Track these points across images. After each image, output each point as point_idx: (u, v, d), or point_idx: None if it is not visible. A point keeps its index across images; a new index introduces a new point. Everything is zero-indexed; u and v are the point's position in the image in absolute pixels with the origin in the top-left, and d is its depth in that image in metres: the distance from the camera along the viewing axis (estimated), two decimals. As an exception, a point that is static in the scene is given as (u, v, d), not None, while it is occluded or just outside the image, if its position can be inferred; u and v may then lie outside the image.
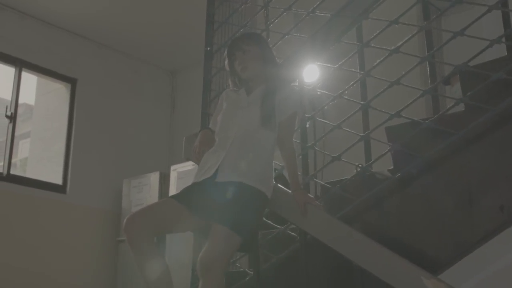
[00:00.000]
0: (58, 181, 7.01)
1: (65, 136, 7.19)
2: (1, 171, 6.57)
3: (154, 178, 6.88)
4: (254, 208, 2.56)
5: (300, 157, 2.91)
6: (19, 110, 6.96)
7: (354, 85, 2.85)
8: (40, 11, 6.93)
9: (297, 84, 3.02)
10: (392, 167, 2.71)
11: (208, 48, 3.44)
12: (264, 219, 2.81)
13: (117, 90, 7.77)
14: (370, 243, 2.34)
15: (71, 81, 7.37)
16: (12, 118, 6.68)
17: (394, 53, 2.65)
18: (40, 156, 7.48)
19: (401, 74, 2.64)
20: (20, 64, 6.87)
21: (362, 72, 2.81)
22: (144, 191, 6.88)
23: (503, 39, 2.44)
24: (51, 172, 7.13)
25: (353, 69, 2.83)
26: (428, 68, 2.72)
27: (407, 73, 2.56)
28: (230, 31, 3.45)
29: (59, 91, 7.48)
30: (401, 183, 2.53)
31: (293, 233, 2.85)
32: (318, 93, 3.06)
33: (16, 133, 6.78)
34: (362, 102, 2.75)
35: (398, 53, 2.66)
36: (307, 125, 2.95)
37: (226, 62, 2.82)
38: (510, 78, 2.24)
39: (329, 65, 2.99)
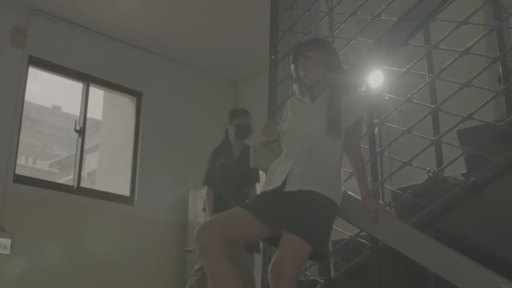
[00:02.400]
0: (126, 192, 7.16)
1: (131, 149, 7.35)
2: (72, 184, 6.75)
3: (219, 188, 6.89)
4: (324, 216, 2.54)
5: (369, 163, 2.87)
6: (87, 125, 7.14)
7: (423, 89, 2.79)
8: (105, 27, 7.13)
9: (363, 89, 2.98)
10: (464, 171, 2.64)
11: (273, 57, 3.44)
12: (334, 226, 2.78)
13: (181, 101, 7.89)
14: (445, 250, 2.29)
15: (137, 95, 7.54)
16: (81, 132, 6.85)
17: (465, 54, 2.59)
18: (108, 169, 7.67)
19: (471, 76, 2.58)
20: (88, 79, 7.08)
21: (432, 75, 2.75)
22: (209, 201, 6.91)
23: None
24: (119, 184, 7.30)
25: (422, 73, 2.78)
26: (500, 69, 2.64)
27: (479, 74, 2.50)
28: (295, 39, 3.44)
29: (125, 104, 7.66)
30: (475, 188, 2.46)
31: (364, 241, 2.81)
32: (386, 97, 3.02)
33: (84, 147, 6.96)
34: (432, 106, 2.69)
35: (467, 55, 2.60)
36: (376, 131, 2.91)
37: (292, 67, 2.82)
38: None
39: (396, 69, 2.94)
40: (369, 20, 3.04)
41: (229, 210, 2.62)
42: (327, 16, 3.32)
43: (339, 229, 2.97)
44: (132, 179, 7.24)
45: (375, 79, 4.14)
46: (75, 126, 6.89)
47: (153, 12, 6.82)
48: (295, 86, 2.89)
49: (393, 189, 2.83)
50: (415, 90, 2.75)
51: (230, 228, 2.53)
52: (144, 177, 7.24)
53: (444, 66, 2.67)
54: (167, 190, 7.38)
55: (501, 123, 2.41)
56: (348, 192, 2.67)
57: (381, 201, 2.65)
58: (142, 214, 7.08)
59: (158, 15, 6.89)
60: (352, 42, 3.12)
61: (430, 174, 2.63)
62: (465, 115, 2.52)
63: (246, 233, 2.61)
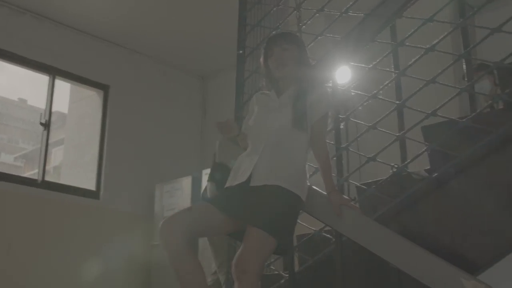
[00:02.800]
0: (92, 187, 7.10)
1: (98, 142, 7.28)
2: (36, 178, 6.66)
3: (186, 182, 6.91)
4: (289, 210, 2.55)
5: (334, 158, 2.88)
6: (52, 118, 7.05)
7: (388, 85, 2.81)
8: (72, 19, 7.04)
9: (330, 85, 2.99)
10: (428, 167, 2.67)
11: (241, 51, 3.44)
12: (299, 221, 2.79)
13: (149, 95, 7.84)
14: (407, 244, 2.31)
15: (104, 88, 7.47)
16: (47, 125, 6.77)
17: (430, 51, 2.61)
18: (74, 163, 7.59)
19: (435, 74, 2.61)
20: (53, 72, 6.98)
21: (397, 72, 2.78)
22: (176, 196, 6.91)
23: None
24: (85, 178, 7.22)
25: (387, 69, 2.80)
26: (464, 66, 2.67)
27: (444, 71, 2.52)
28: (262, 34, 3.44)
29: (92, 98, 7.59)
30: (438, 183, 2.49)
31: (328, 235, 2.82)
32: (352, 93, 3.03)
33: (50, 141, 6.88)
34: (397, 102, 2.71)
35: (433, 52, 2.63)
36: (341, 126, 2.92)
37: (262, 58, 2.81)
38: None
39: (363, 65, 2.96)
40: (336, 16, 3.05)
41: (194, 205, 2.61)
42: (295, 12, 3.33)
43: (304, 224, 2.98)
44: (98, 173, 7.17)
45: (343, 74, 4.17)
46: (40, 119, 6.80)
47: (120, 5, 6.76)
48: (263, 81, 2.89)
49: (358, 184, 2.85)
50: (381, 87, 2.77)
51: (194, 223, 2.51)
52: (110, 171, 7.18)
53: (410, 63, 2.69)
54: (133, 184, 7.33)
55: (464, 120, 2.44)
56: (313, 187, 2.68)
57: (345, 196, 2.67)
58: (108, 208, 7.02)
59: (126, 8, 6.83)
60: (319, 37, 3.13)
61: (394, 170, 2.66)
62: (429, 112, 2.54)
63: (211, 227, 2.61)
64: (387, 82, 2.77)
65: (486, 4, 2.50)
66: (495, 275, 2.34)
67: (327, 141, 2.76)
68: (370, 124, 2.76)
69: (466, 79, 2.65)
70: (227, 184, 2.69)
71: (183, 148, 7.98)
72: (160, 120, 7.85)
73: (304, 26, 3.25)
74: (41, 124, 6.78)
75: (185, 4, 6.69)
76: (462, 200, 2.49)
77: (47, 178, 6.74)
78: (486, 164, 2.40)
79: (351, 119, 2.96)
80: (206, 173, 6.62)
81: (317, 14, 3.17)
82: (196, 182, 6.80)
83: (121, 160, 7.29)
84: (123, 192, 7.19)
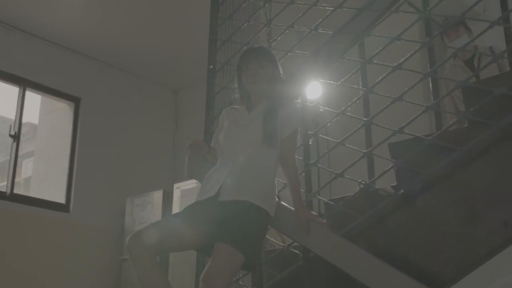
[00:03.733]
0: (62, 200, 7.01)
1: (68, 155, 7.20)
2: (5, 190, 6.57)
3: (157, 196, 6.86)
4: (257, 226, 2.55)
5: (303, 174, 2.89)
6: (23, 130, 6.96)
7: (357, 102, 2.84)
8: (44, 30, 6.98)
9: (299, 101, 3.01)
10: (395, 183, 2.69)
11: (211, 66, 3.45)
12: (267, 237, 2.80)
13: (121, 108, 7.79)
14: (373, 261, 2.33)
15: (75, 100, 7.40)
16: (16, 137, 6.69)
17: (397, 69, 2.65)
18: (44, 175, 7.49)
19: (405, 90, 2.64)
20: (24, 83, 6.90)
21: (365, 89, 2.80)
22: (147, 210, 6.86)
23: (506, 55, 2.44)
24: (55, 191, 7.13)
25: (355, 86, 2.83)
26: (430, 85, 2.71)
27: (409, 89, 2.56)
28: (233, 49, 3.45)
29: (63, 110, 7.51)
30: (404, 200, 2.51)
31: (296, 251, 2.83)
32: (321, 110, 3.06)
33: (20, 153, 6.79)
34: (364, 119, 2.74)
35: (400, 70, 2.66)
36: (310, 142, 2.94)
37: (236, 70, 2.82)
38: (512, 94, 2.24)
39: (331, 82, 2.98)
40: (306, 33, 3.07)
41: (162, 219, 2.61)
42: (266, 28, 3.34)
43: (272, 239, 2.99)
44: (68, 186, 7.07)
45: (313, 90, 4.19)
46: (10, 131, 6.72)
47: (93, 17, 6.73)
48: (236, 95, 2.90)
49: (326, 200, 2.86)
50: (349, 103, 2.79)
51: (162, 237, 2.51)
52: (80, 184, 7.10)
53: (377, 80, 2.72)
54: (104, 197, 7.26)
55: (429, 138, 2.47)
56: (282, 202, 2.69)
57: (313, 212, 2.68)
58: (78, 222, 6.93)
59: (98, 20, 6.79)
60: (289, 54, 3.15)
61: (362, 186, 2.68)
62: (396, 129, 2.57)
63: (179, 242, 2.60)
64: (355, 99, 2.79)
65: (453, 25, 2.54)
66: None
67: (297, 157, 2.78)
68: (338, 141, 2.78)
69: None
70: (196, 199, 2.69)
71: (155, 162, 7.93)
72: (132, 133, 7.80)
73: (274, 42, 3.27)
74: (10, 136, 6.70)
75: (158, 18, 6.68)
76: (428, 216, 2.51)
77: (17, 191, 6.64)
78: (451, 181, 2.44)
79: (320, 135, 2.97)
80: (177, 187, 6.61)
81: (287, 31, 3.18)
82: (168, 196, 6.77)
83: (92, 173, 7.22)
84: (94, 205, 7.11)
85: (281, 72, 2.84)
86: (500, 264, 2.23)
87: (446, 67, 4.22)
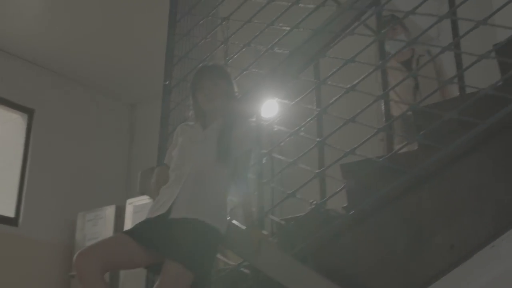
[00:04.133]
0: (10, 213, 6.85)
1: (19, 167, 7.05)
2: (-49, 202, 6.41)
3: (109, 211, 6.78)
4: (208, 244, 2.54)
5: (256, 193, 2.89)
6: (-26, 140, 6.83)
7: (311, 121, 2.86)
8: (-2, 40, 6.86)
9: (254, 119, 3.02)
10: (346, 204, 2.71)
11: (167, 82, 3.43)
12: (218, 255, 2.78)
13: (75, 121, 7.69)
14: (322, 281, 2.33)
15: (28, 112, 7.28)
16: (-35, 148, 6.54)
17: (350, 91, 2.68)
18: (-7, 187, 7.32)
19: (357, 113, 2.67)
20: (-25, 93, 6.76)
21: (319, 109, 2.83)
22: (99, 225, 6.77)
23: (455, 80, 2.49)
24: (4, 204, 6.96)
25: (310, 106, 2.85)
26: (383, 107, 2.75)
27: (361, 112, 2.58)
28: (190, 66, 3.44)
29: (16, 121, 7.36)
30: (354, 221, 2.53)
31: (246, 271, 2.81)
32: (275, 129, 3.07)
33: (-31, 163, 6.64)
34: (318, 139, 2.76)
35: (354, 91, 2.69)
36: (264, 161, 2.94)
37: (190, 88, 2.81)
38: (462, 118, 2.28)
39: (286, 101, 3.00)
40: (262, 52, 3.09)
41: (111, 236, 2.58)
42: (223, 45, 3.35)
43: (223, 259, 2.97)
44: (18, 199, 6.93)
45: (269, 109, 4.21)
46: (-40, 141, 6.58)
47: (49, 27, 6.66)
48: (190, 112, 2.89)
49: (277, 219, 2.87)
50: (302, 124, 2.81)
51: (111, 255, 2.47)
52: (31, 197, 6.96)
53: (331, 101, 2.74)
54: (55, 211, 7.13)
55: (380, 159, 2.50)
56: (233, 221, 2.68)
57: (264, 232, 2.67)
58: (27, 236, 6.79)
59: (55, 31, 6.72)
60: (245, 72, 3.16)
61: (313, 206, 2.69)
62: (348, 150, 2.59)
63: (128, 259, 2.56)
64: (308, 119, 2.81)
65: (403, 49, 2.59)
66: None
67: (250, 175, 2.78)
68: (291, 160, 2.79)
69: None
70: (147, 216, 2.66)
71: (109, 176, 7.84)
72: (86, 146, 7.70)
73: (231, 60, 3.28)
74: (-40, 146, 6.56)
75: (115, 31, 6.65)
76: (378, 237, 2.53)
77: (-36, 203, 6.50)
78: (401, 203, 2.46)
79: (274, 154, 2.98)
80: (130, 202, 6.55)
81: (244, 49, 3.20)
82: (120, 212, 6.69)
83: (43, 186, 7.09)
84: (44, 219, 6.97)
85: (236, 89, 2.84)
86: (445, 287, 2.26)
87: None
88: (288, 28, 2.96)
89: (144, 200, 6.10)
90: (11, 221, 6.79)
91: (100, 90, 8.02)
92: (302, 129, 2.83)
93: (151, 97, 7.69)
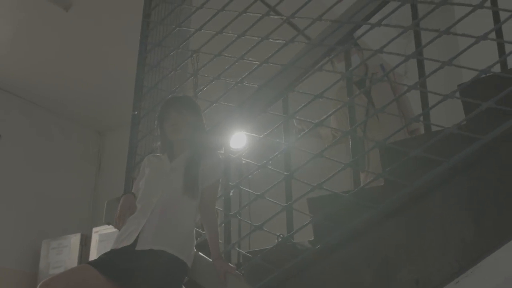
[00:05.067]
0: (-28, 240, 6.72)
1: (-17, 193, 6.94)
2: None
3: (74, 240, 6.69)
4: (173, 277, 2.52)
5: (223, 225, 2.90)
6: None
7: (280, 155, 2.88)
8: (-37, 64, 6.79)
9: (222, 151, 3.03)
10: (313, 238, 2.73)
11: (136, 112, 3.43)
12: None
13: (42, 147, 7.61)
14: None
15: (-6, 137, 7.18)
16: None
17: (319, 126, 2.71)
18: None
19: (325, 147, 2.71)
20: None
21: (286, 143, 2.85)
22: (63, 253, 6.67)
23: (421, 118, 2.55)
24: (-36, 230, 6.84)
25: (278, 140, 2.87)
26: (350, 143, 2.79)
27: (328, 147, 2.62)
28: (159, 96, 3.45)
29: (-19, 146, 7.27)
30: (321, 254, 2.54)
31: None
32: (243, 161, 3.08)
33: None
34: (285, 173, 2.78)
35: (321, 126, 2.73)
36: (231, 193, 2.95)
37: (157, 120, 2.81)
38: (427, 155, 2.32)
39: (254, 134, 3.02)
40: (232, 85, 3.11)
41: (75, 267, 2.54)
42: (192, 77, 3.37)
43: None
44: (-19, 225, 6.81)
45: (238, 141, 4.23)
46: None
47: (17, 52, 6.61)
48: (158, 143, 2.89)
49: (244, 252, 2.87)
50: (270, 157, 2.83)
51: (75, 286, 2.43)
52: (-6, 223, 6.84)
53: (299, 136, 2.77)
54: (18, 239, 7.01)
55: (347, 195, 2.53)
56: (199, 253, 2.67)
57: (231, 264, 2.67)
58: (-11, 264, 6.66)
59: (23, 56, 6.68)
60: (214, 104, 3.18)
61: (279, 239, 2.70)
62: (315, 184, 2.62)
63: (92, 291, 2.53)
64: (276, 153, 2.83)
65: (373, 85, 2.64)
66: None
67: (217, 207, 2.78)
68: (259, 193, 2.80)
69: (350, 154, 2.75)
70: (112, 247, 2.64)
71: (75, 204, 7.75)
72: (53, 173, 7.61)
73: (200, 92, 3.30)
74: None
75: (84, 59, 6.64)
76: (343, 271, 2.55)
77: None
78: (367, 238, 2.49)
79: (242, 187, 2.99)
80: (95, 231, 6.47)
81: (214, 81, 3.22)
82: (86, 240, 6.61)
83: (7, 212, 6.97)
84: (7, 246, 6.84)
85: (204, 121, 2.86)
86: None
87: (335, 90, 3.95)
88: (258, 63, 3.00)
89: (110, 229, 6.01)
90: (-27, 248, 6.66)
91: (68, 117, 7.97)
92: (270, 162, 2.85)
93: (119, 125, 7.68)
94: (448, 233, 2.33)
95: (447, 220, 2.35)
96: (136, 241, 2.54)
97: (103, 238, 6.32)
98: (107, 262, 2.54)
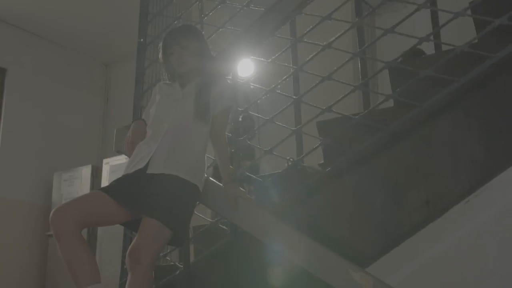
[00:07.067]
0: (-16, 174, 6.80)
1: (-7, 128, 6.98)
2: None
3: (85, 171, 6.76)
4: (185, 201, 2.54)
5: (233, 150, 2.90)
6: None
7: (287, 79, 2.85)
8: (-33, -3, 6.70)
9: (231, 78, 3.01)
10: (322, 161, 2.73)
11: (142, 40, 3.38)
12: (195, 212, 2.79)
13: (49, 81, 7.59)
14: (298, 236, 2.36)
15: (1, 71, 7.15)
16: None
17: (327, 48, 2.67)
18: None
19: (336, 69, 2.67)
20: None
21: (295, 67, 2.82)
22: (75, 185, 6.75)
23: (432, 37, 2.49)
24: (-22, 165, 6.92)
25: (286, 64, 2.84)
26: (359, 64, 2.75)
27: (338, 69, 2.59)
28: (164, 23, 3.40)
29: (-12, 80, 7.27)
30: (331, 177, 2.55)
31: (224, 227, 2.84)
32: (252, 87, 3.06)
33: None
34: (294, 97, 2.76)
35: (330, 49, 2.68)
36: (240, 119, 2.94)
37: (161, 54, 2.77)
38: (437, 75, 2.29)
39: (262, 59, 2.99)
40: (238, 9, 3.06)
41: (88, 193, 2.56)
42: (198, 2, 3.31)
43: (200, 215, 2.99)
44: (-7, 160, 6.88)
45: (245, 67, 4.19)
46: None
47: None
48: (164, 74, 2.86)
49: (254, 176, 2.88)
50: (279, 81, 2.80)
51: (87, 212, 2.46)
52: (5, 157, 6.90)
53: (307, 59, 2.74)
54: (30, 172, 7.09)
55: (356, 117, 2.52)
56: (210, 178, 2.69)
57: (242, 188, 2.69)
58: (2, 197, 6.75)
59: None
60: (220, 29, 3.13)
61: (290, 163, 2.71)
62: (324, 107, 2.60)
63: (105, 216, 2.55)
64: (284, 77, 2.80)
65: (382, 5, 2.58)
66: (384, 267, 2.43)
67: (227, 133, 2.78)
68: (268, 118, 2.79)
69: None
70: (125, 172, 2.65)
71: (84, 136, 7.79)
72: (61, 106, 7.63)
73: (206, 18, 3.24)
74: None
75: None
76: (353, 193, 2.57)
77: None
78: (377, 160, 2.49)
79: (250, 112, 2.98)
80: (106, 162, 6.53)
81: (220, 6, 3.16)
82: (96, 172, 6.68)
83: (18, 146, 7.03)
84: (19, 180, 6.94)
85: (209, 47, 2.82)
86: (421, 242, 2.31)
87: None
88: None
89: (120, 159, 6.10)
90: (-15, 181, 6.75)
91: (74, 50, 7.91)
92: (279, 87, 2.82)
93: (126, 56, 7.62)
94: (458, 153, 2.32)
95: (457, 140, 2.34)
96: (147, 165, 2.55)
97: (113, 169, 6.37)
98: (119, 187, 2.56)
